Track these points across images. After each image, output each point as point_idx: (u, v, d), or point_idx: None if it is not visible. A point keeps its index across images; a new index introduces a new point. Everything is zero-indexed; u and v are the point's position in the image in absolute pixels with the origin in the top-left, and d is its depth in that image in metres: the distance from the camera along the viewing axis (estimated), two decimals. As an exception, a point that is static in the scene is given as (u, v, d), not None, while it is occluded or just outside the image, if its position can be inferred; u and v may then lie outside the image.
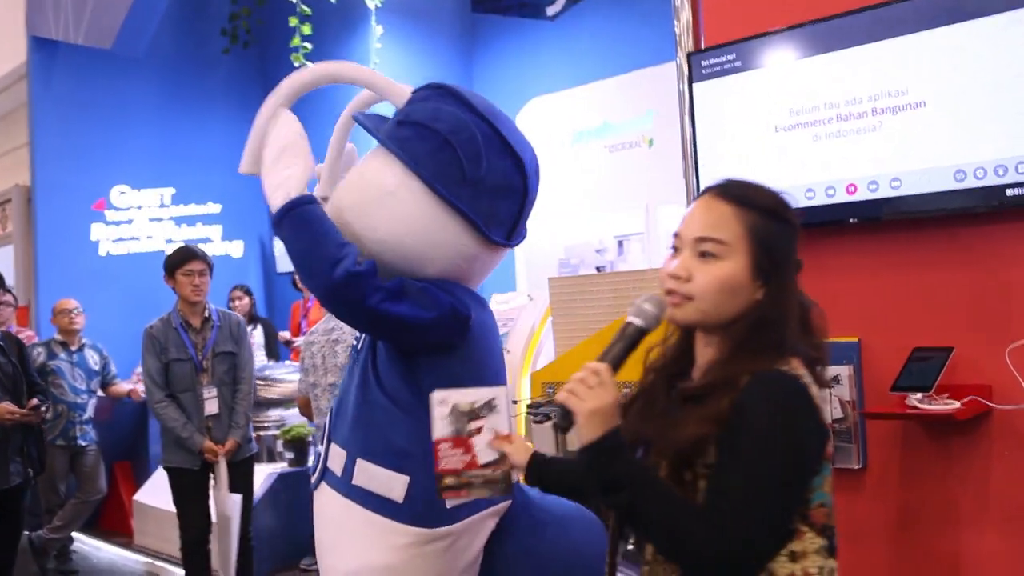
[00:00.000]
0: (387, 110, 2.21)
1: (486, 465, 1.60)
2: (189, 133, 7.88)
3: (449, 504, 1.68)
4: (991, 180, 2.28)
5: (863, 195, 2.50)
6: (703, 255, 1.35)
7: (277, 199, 1.95)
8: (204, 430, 3.98)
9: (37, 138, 7.27)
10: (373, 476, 1.97)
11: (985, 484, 2.36)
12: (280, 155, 2.01)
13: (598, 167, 6.75)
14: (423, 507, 1.93)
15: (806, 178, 2.61)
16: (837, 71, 2.54)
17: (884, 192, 2.45)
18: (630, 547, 1.54)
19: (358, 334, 2.19)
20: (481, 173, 2.00)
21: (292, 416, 5.61)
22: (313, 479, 2.11)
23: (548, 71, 7.30)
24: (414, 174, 1.99)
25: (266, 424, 5.51)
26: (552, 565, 2.02)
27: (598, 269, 6.48)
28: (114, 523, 6.25)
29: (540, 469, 1.68)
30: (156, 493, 5.67)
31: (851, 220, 2.54)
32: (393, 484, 1.95)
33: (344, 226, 1.98)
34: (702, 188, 1.61)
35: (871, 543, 2.56)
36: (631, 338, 1.40)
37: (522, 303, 3.88)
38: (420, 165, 1.98)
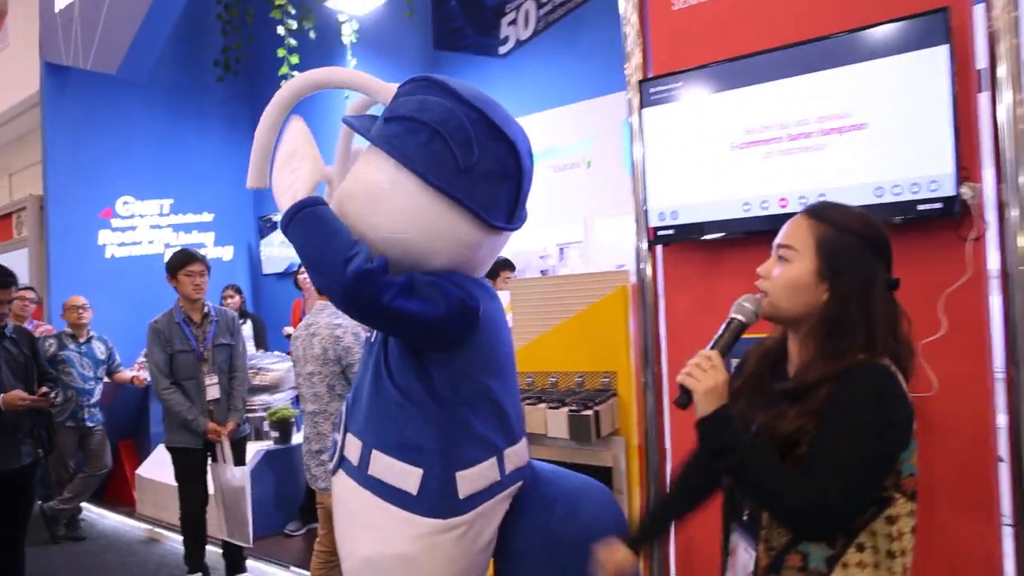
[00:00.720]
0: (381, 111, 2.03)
1: None
2: (186, 150, 7.77)
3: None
4: (906, 196, 2.21)
5: (793, 207, 2.40)
6: (780, 259, 1.43)
7: (285, 201, 1.71)
8: (207, 413, 3.82)
9: (49, 154, 7.07)
10: (388, 468, 1.75)
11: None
12: (288, 159, 1.78)
13: (543, 185, 6.68)
14: (438, 499, 1.73)
15: (742, 193, 2.51)
16: (768, 100, 2.45)
17: (812, 206, 2.36)
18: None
19: (362, 329, 2.01)
20: (474, 160, 1.72)
21: (278, 400, 5.48)
22: (331, 464, 1.89)
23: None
24: (407, 169, 1.71)
25: (255, 407, 5.32)
26: (563, 539, 1.82)
27: (542, 272, 6.49)
28: (118, 494, 5.99)
29: (645, 535, 1.81)
30: (156, 468, 5.54)
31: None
32: (408, 477, 1.72)
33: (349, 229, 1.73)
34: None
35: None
36: (735, 331, 1.45)
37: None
38: (411, 159, 1.71)
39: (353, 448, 1.81)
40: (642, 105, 2.73)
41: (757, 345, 1.60)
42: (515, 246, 6.98)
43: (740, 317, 1.44)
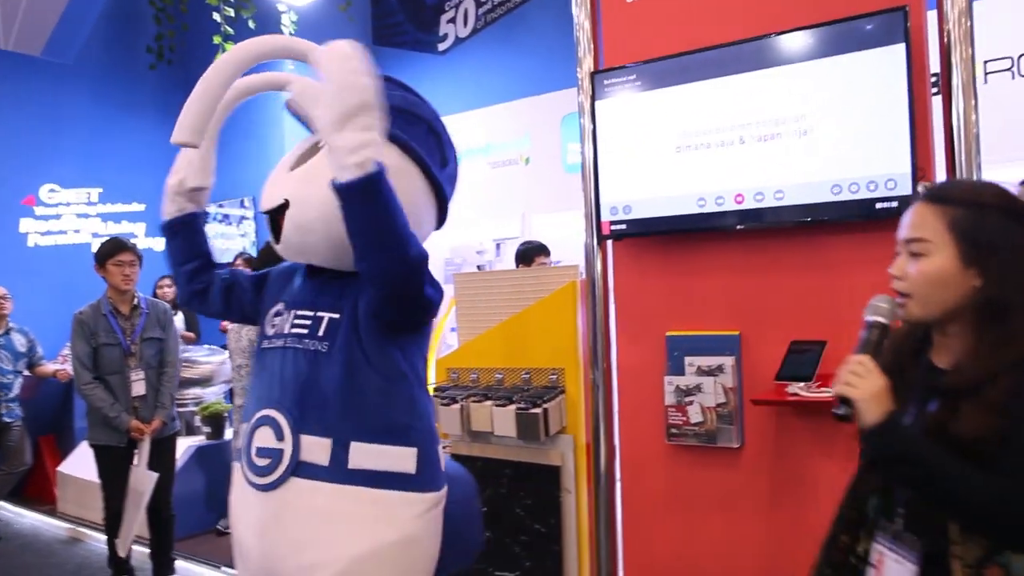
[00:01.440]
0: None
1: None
2: (116, 138, 7.30)
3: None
4: (863, 194, 2.12)
5: (749, 204, 2.30)
6: (913, 255, 1.27)
7: (351, 162, 1.42)
8: (131, 410, 3.51)
9: (-33, 138, 6.51)
10: (378, 455, 1.61)
11: (849, 460, 2.19)
12: (356, 112, 1.42)
13: (481, 180, 6.62)
14: (432, 472, 1.67)
15: (697, 188, 2.39)
16: (726, 95, 2.34)
17: (768, 202, 2.26)
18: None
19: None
20: (451, 161, 1.81)
21: (210, 394, 5.18)
22: (269, 479, 1.62)
23: (439, 98, 6.86)
24: (410, 157, 1.67)
25: (186, 401, 5.01)
26: (454, 516, 1.75)
27: (479, 267, 6.36)
28: (38, 492, 5.56)
29: None
30: (80, 465, 5.13)
31: (738, 227, 2.34)
32: (404, 458, 1.62)
33: None
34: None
35: (746, 514, 2.39)
36: (879, 335, 1.30)
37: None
38: (417, 149, 1.68)
39: (317, 449, 1.60)
40: (594, 98, 2.58)
41: (894, 337, 1.40)
42: (452, 241, 6.86)
43: (881, 319, 1.30)
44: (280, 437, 1.63)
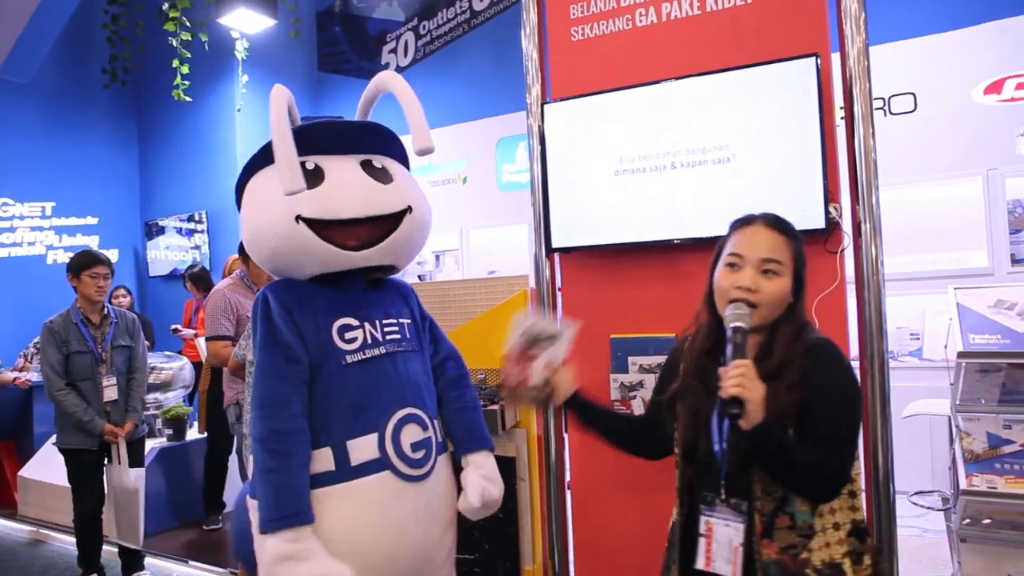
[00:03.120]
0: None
1: (535, 387, 1.57)
2: (70, 154, 6.95)
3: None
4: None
5: (680, 229, 2.37)
6: (766, 272, 1.39)
7: None
8: (103, 414, 3.35)
9: (-79, 154, 6.09)
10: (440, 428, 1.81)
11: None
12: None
13: None
14: None
15: (635, 212, 2.45)
16: (659, 127, 2.41)
17: (698, 221, 2.34)
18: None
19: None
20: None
21: (170, 398, 4.98)
22: (427, 467, 1.66)
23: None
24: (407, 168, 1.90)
25: (147, 405, 4.80)
26: None
27: (419, 277, 6.33)
28: (-3, 497, 5.23)
29: (579, 402, 1.67)
30: (41, 469, 4.87)
31: (674, 240, 2.41)
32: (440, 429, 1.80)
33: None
34: (752, 216, 1.53)
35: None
36: (743, 337, 1.35)
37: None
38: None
39: (439, 429, 1.77)
40: (543, 122, 2.62)
41: (686, 343, 1.57)
42: (396, 252, 6.81)
43: (742, 324, 1.36)
44: (425, 427, 1.69)
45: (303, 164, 1.64)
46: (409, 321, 1.79)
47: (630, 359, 2.48)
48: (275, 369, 1.57)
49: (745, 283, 1.38)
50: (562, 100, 2.60)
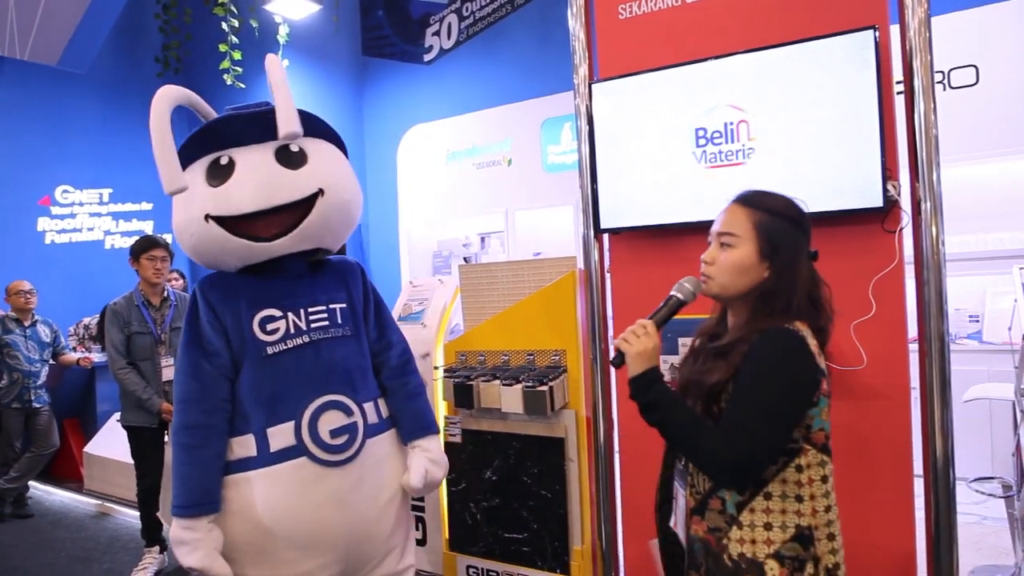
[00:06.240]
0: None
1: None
2: (125, 142, 7.13)
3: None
4: (844, 193, 2.17)
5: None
6: (723, 245, 1.40)
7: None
8: (161, 393, 3.45)
9: (-13, 142, 6.32)
10: (383, 404, 1.89)
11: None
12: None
13: (467, 180, 6.65)
14: None
15: (688, 191, 2.42)
16: (710, 105, 2.36)
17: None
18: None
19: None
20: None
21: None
22: (349, 452, 1.72)
23: (426, 105, 7.10)
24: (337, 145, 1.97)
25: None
26: None
27: (465, 259, 6.35)
28: (66, 471, 5.45)
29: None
30: (104, 445, 5.08)
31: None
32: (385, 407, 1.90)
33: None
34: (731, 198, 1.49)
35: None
36: (672, 307, 1.46)
37: (434, 285, 3.54)
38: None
39: (371, 410, 1.82)
40: (591, 102, 2.60)
41: (702, 324, 1.60)
42: (440, 235, 6.85)
43: (678, 295, 1.46)
44: (349, 413, 1.72)
45: (217, 160, 1.71)
46: (344, 305, 1.81)
47: (680, 340, 2.47)
48: (192, 367, 1.67)
49: (705, 256, 1.43)
50: (610, 79, 2.57)
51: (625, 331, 1.40)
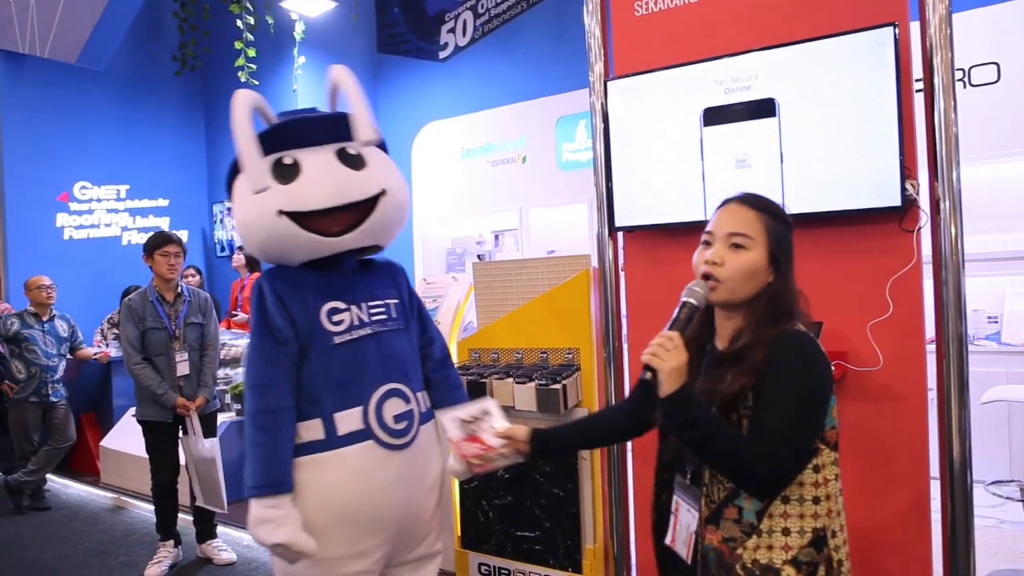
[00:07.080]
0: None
1: (499, 453, 1.62)
2: (143, 139, 7.23)
3: (477, 472, 1.66)
4: (861, 192, 2.15)
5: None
6: (734, 246, 1.35)
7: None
8: (176, 388, 3.49)
9: (6, 139, 6.42)
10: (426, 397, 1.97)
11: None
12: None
13: (481, 178, 6.64)
14: None
15: (701, 190, 2.41)
16: (725, 103, 2.35)
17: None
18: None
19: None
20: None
21: (239, 374, 5.15)
22: (409, 437, 1.81)
23: (440, 102, 7.11)
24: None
25: (217, 380, 4.98)
26: None
27: (479, 257, 6.37)
28: (82, 465, 5.52)
29: (542, 439, 1.63)
30: (120, 439, 5.14)
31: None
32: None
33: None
34: (729, 197, 1.43)
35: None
36: (689, 313, 1.35)
37: (448, 283, 3.55)
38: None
39: (422, 400, 1.90)
40: (606, 100, 2.59)
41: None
42: (454, 232, 6.86)
43: (693, 301, 1.36)
44: (408, 400, 1.84)
45: (281, 159, 1.79)
46: (396, 301, 1.92)
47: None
48: (265, 353, 1.74)
49: (711, 257, 1.35)
50: (625, 77, 2.57)
51: (651, 345, 1.29)
